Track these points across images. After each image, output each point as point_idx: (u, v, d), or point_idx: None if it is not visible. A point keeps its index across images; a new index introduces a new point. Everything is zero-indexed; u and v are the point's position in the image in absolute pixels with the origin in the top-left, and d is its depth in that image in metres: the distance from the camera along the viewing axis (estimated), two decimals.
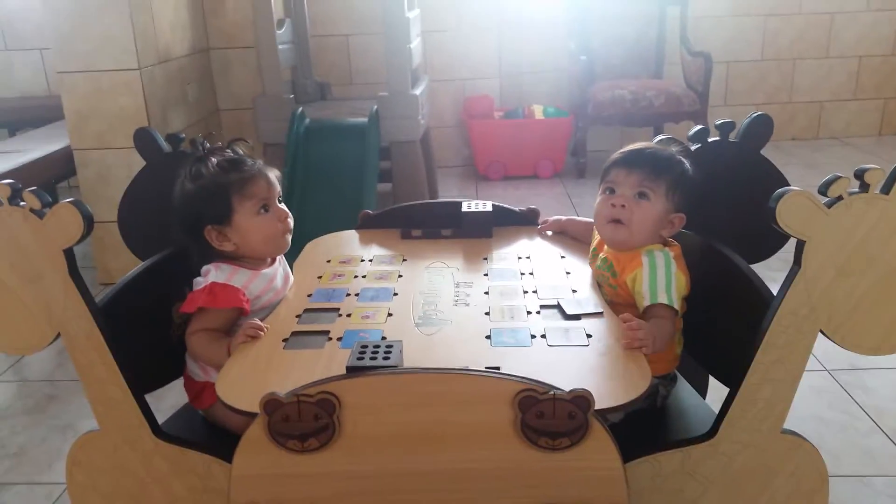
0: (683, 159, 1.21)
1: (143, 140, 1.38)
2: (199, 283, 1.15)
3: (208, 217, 1.16)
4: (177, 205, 1.19)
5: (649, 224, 1.17)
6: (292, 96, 2.91)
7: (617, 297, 1.17)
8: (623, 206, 1.16)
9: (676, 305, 1.11)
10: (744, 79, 4.23)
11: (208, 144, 1.23)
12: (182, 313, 1.15)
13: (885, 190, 0.93)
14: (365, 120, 2.76)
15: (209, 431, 1.17)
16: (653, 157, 1.19)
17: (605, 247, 1.23)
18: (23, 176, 2.50)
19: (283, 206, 1.22)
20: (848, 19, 4.15)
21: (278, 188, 1.22)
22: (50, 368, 2.09)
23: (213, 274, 1.15)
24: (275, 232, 1.19)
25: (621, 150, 1.23)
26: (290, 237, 1.23)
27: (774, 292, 1.01)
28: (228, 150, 1.21)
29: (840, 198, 0.93)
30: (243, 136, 1.27)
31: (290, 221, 1.22)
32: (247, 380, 0.95)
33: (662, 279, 1.11)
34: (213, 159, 1.18)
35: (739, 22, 4.13)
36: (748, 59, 4.21)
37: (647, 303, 1.10)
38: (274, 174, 1.22)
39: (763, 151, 1.29)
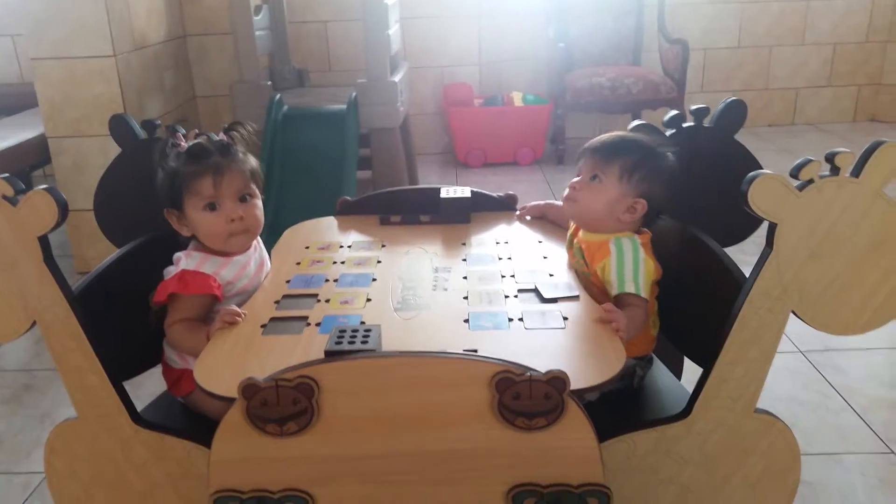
0: (653, 147, 1.22)
1: (118, 127, 1.37)
2: (170, 271, 1.15)
3: (165, 201, 1.18)
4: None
5: (599, 205, 1.19)
6: (270, 83, 2.89)
7: (591, 286, 1.19)
8: (575, 187, 1.22)
9: (644, 293, 1.12)
10: (721, 66, 4.27)
11: (182, 131, 1.22)
12: (158, 302, 1.14)
13: (856, 173, 0.95)
14: (343, 107, 2.75)
15: (188, 418, 1.17)
16: (611, 143, 1.22)
17: (580, 234, 1.24)
18: None
19: (246, 204, 1.17)
20: (823, 7, 4.19)
21: (242, 185, 1.17)
22: (26, 358, 2.07)
23: (183, 262, 1.15)
24: (218, 231, 1.15)
25: (590, 141, 1.26)
26: (245, 238, 1.18)
27: (748, 275, 1.03)
28: (222, 135, 1.18)
29: (811, 181, 0.95)
30: (220, 123, 1.25)
31: (246, 223, 1.17)
32: (225, 365, 0.95)
33: (630, 267, 1.13)
34: (183, 146, 1.16)
35: (717, 9, 4.16)
36: (725, 47, 4.24)
37: (615, 291, 1.13)
38: (243, 171, 1.17)
39: (739, 137, 1.31)
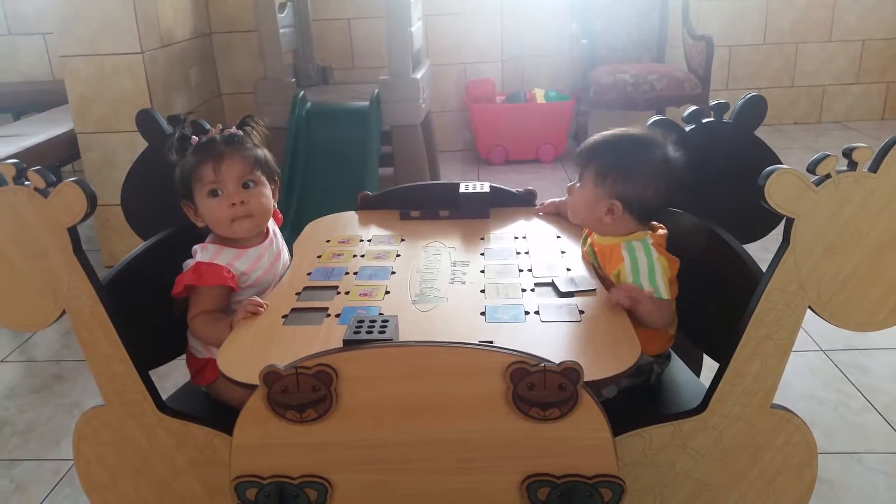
0: (633, 147, 1.19)
1: (145, 122, 1.40)
2: (188, 264, 1.19)
3: (181, 193, 1.23)
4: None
5: (580, 207, 1.22)
6: (294, 80, 2.92)
7: (606, 283, 1.19)
8: (570, 190, 1.25)
9: (664, 294, 1.13)
10: (746, 63, 4.22)
11: (207, 126, 1.27)
12: (176, 294, 1.17)
13: (873, 168, 0.95)
14: (366, 104, 2.77)
15: (211, 407, 1.20)
16: (590, 146, 1.22)
17: (593, 235, 1.25)
18: (27, 159, 2.47)
19: (248, 190, 1.20)
20: (851, 2, 4.14)
21: (244, 171, 1.20)
22: (56, 349, 2.12)
23: (199, 254, 1.19)
24: (221, 216, 1.19)
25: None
26: (249, 223, 1.21)
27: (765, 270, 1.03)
28: (233, 129, 1.24)
29: (828, 176, 0.95)
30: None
31: (248, 207, 1.20)
32: (247, 354, 0.97)
33: (645, 272, 1.13)
34: (191, 136, 1.23)
35: (742, 5, 4.12)
36: (750, 43, 4.19)
37: None
38: (245, 157, 1.20)
39: (764, 134, 1.30)
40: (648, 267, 1.13)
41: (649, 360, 1.20)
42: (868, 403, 1.71)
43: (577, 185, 1.23)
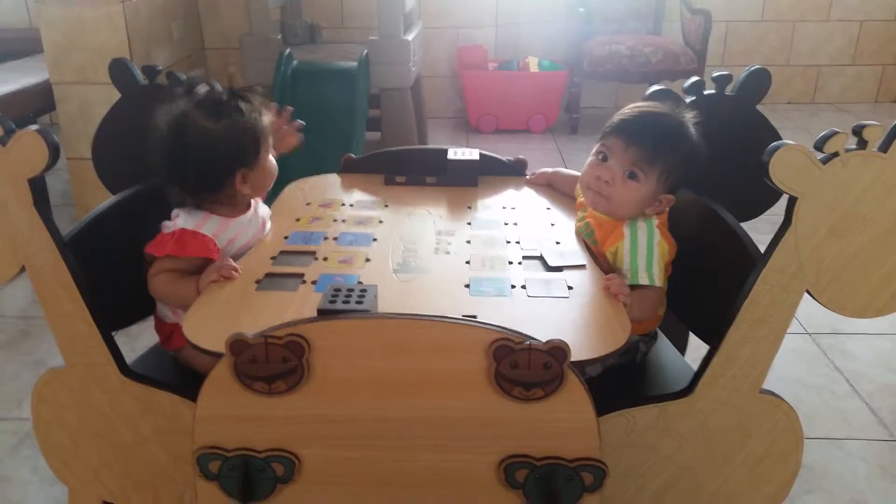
0: (694, 138, 1.12)
1: (118, 72, 1.33)
2: (168, 227, 1.11)
3: (244, 159, 1.11)
4: (195, 146, 1.08)
5: (633, 204, 1.11)
6: (280, 37, 2.83)
7: (598, 257, 1.15)
8: (608, 181, 1.11)
9: (658, 282, 1.07)
10: (742, 39, 4.16)
11: (184, 77, 1.18)
12: (151, 254, 1.11)
13: (883, 148, 0.90)
14: (354, 64, 2.69)
15: (179, 373, 1.15)
16: (658, 133, 1.10)
17: (589, 209, 1.19)
18: (0, 108, 2.43)
19: None
20: None
21: None
22: (25, 304, 2.05)
23: (182, 219, 1.10)
24: (274, 175, 1.18)
25: (627, 112, 1.13)
26: None
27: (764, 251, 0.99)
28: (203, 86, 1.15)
29: (836, 154, 0.90)
30: (229, 75, 1.22)
31: None
32: (216, 320, 0.92)
33: (644, 254, 1.08)
34: (246, 98, 1.13)
35: None
36: (748, 20, 4.12)
37: (628, 282, 1.07)
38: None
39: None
40: (648, 250, 1.08)
41: (635, 340, 1.16)
42: (852, 389, 1.70)
43: (630, 179, 1.10)
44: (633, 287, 1.06)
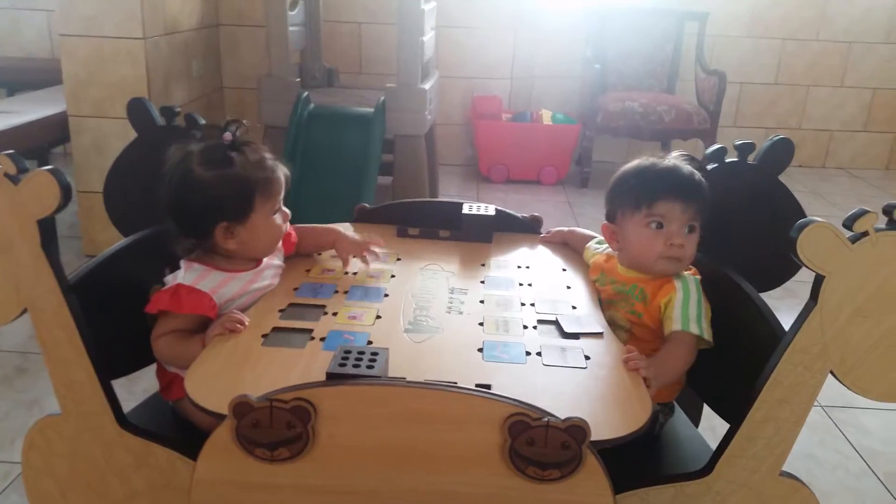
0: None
1: (136, 111, 1.32)
2: (169, 281, 1.08)
3: (226, 213, 1.07)
4: (181, 191, 1.07)
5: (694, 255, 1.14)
6: (299, 80, 2.84)
7: (637, 324, 1.13)
8: (681, 245, 1.11)
9: (707, 335, 1.07)
10: (755, 101, 4.18)
11: (237, 132, 1.11)
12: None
13: None
14: (371, 110, 2.70)
15: (177, 424, 1.11)
16: (699, 186, 1.13)
17: (620, 270, 1.18)
18: (16, 138, 2.44)
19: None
20: (865, 50, 4.11)
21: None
22: (23, 340, 2.01)
23: (181, 274, 1.08)
24: (280, 234, 1.15)
25: (663, 177, 1.13)
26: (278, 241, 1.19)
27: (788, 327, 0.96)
28: (229, 132, 1.10)
29: (866, 233, 0.88)
30: (245, 116, 1.19)
31: (289, 226, 1.19)
32: (219, 377, 0.89)
33: (695, 308, 1.08)
34: (243, 150, 1.09)
35: (756, 43, 4.08)
36: (761, 82, 4.16)
37: (676, 328, 1.06)
38: (283, 171, 1.14)
39: None
40: (698, 304, 1.08)
41: (655, 408, 1.13)
42: (867, 468, 1.64)
43: (690, 233, 1.12)
44: (676, 335, 1.06)
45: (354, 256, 1.23)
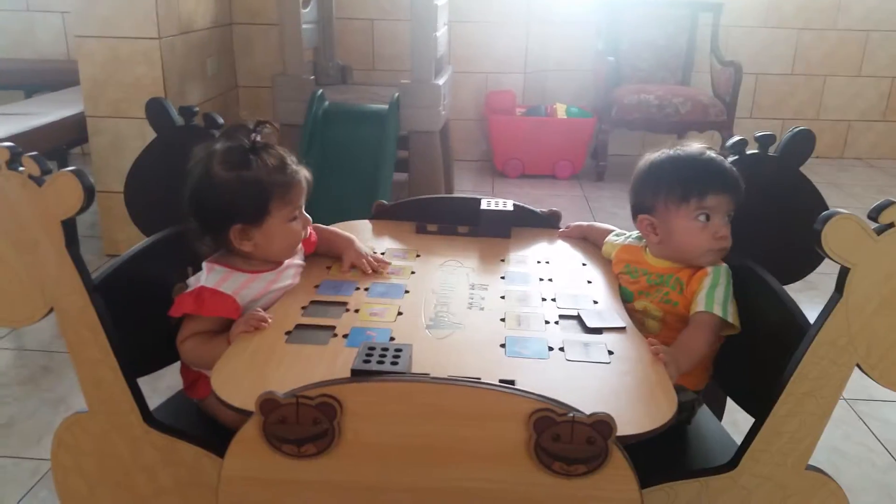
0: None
1: (155, 111, 1.33)
2: (192, 283, 1.09)
3: (241, 215, 1.08)
4: (199, 189, 1.08)
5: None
6: (313, 77, 2.85)
7: (671, 312, 1.14)
8: (725, 235, 1.14)
9: (731, 318, 1.08)
10: (772, 92, 4.15)
11: (258, 135, 1.10)
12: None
13: None
14: (385, 106, 2.70)
15: (202, 421, 1.12)
16: (738, 178, 1.15)
17: (651, 261, 1.18)
18: (35, 140, 2.46)
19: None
20: (883, 38, 4.06)
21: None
22: (48, 339, 2.04)
23: (204, 277, 1.08)
24: (298, 240, 1.15)
25: (710, 170, 1.15)
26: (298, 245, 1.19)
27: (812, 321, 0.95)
28: (255, 133, 1.10)
29: (891, 224, 0.87)
30: (260, 114, 1.19)
31: (310, 227, 1.19)
32: (244, 374, 0.89)
33: (722, 292, 1.09)
34: (262, 154, 1.08)
35: (771, 34, 4.04)
36: (778, 73, 4.12)
37: (700, 308, 1.08)
38: (305, 176, 1.13)
39: None
40: (726, 290, 1.10)
41: (692, 397, 1.13)
42: (894, 461, 1.63)
43: (729, 222, 1.15)
44: (699, 315, 1.08)
45: (354, 267, 1.21)
